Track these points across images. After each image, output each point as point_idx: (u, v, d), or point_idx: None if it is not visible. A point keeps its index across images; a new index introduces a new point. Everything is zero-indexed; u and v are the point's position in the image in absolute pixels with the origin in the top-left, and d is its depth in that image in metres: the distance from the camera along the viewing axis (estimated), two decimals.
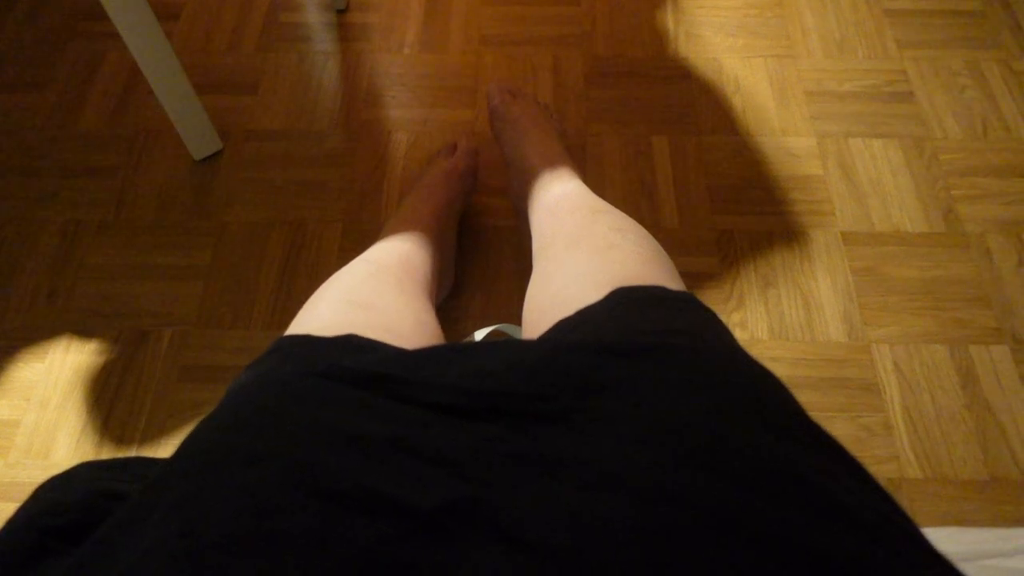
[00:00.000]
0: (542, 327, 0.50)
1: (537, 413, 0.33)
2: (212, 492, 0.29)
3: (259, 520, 0.27)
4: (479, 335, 0.86)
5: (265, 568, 0.26)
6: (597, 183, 1.06)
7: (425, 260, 0.72)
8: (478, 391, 0.34)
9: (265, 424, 0.34)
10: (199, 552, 0.27)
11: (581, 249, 0.56)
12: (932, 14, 1.23)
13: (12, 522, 0.36)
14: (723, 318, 0.94)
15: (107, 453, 0.86)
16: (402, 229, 0.76)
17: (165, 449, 0.87)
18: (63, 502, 0.36)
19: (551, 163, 0.81)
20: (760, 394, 0.35)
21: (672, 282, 0.51)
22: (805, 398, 0.89)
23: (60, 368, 0.92)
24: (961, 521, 0.81)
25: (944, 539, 0.50)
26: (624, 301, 0.45)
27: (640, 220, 1.02)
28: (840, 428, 0.86)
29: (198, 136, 1.06)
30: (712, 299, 0.96)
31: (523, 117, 0.91)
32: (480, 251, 1.00)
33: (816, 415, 0.87)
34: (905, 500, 0.82)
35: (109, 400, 0.90)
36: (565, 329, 0.45)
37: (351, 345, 0.44)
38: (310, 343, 0.44)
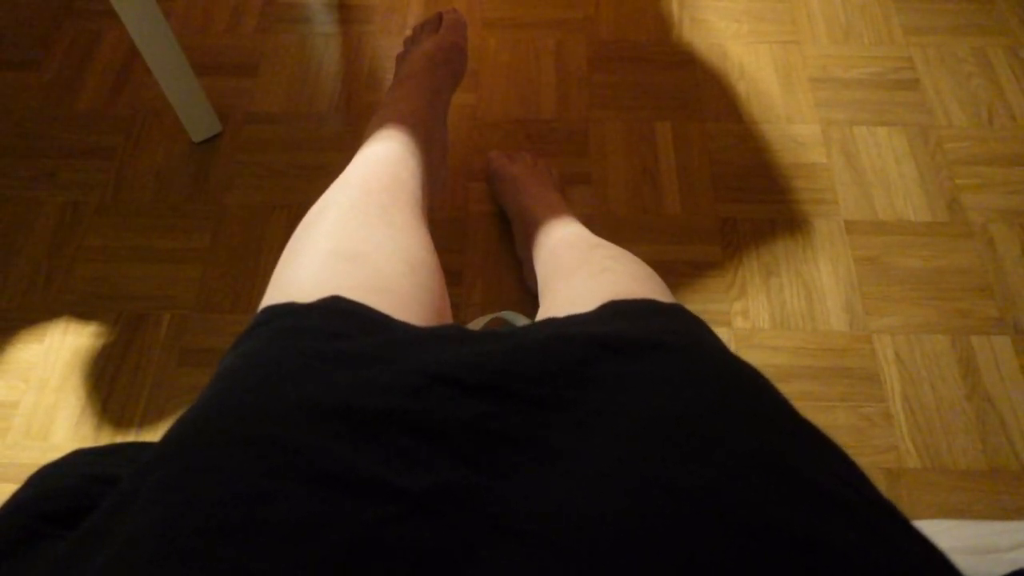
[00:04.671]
0: None
1: (533, 397, 0.33)
2: (196, 477, 0.29)
3: (245, 506, 0.27)
4: (480, 323, 0.85)
5: (251, 555, 0.25)
6: (599, 169, 1.05)
7: (414, 167, 0.66)
8: (475, 365, 0.34)
9: (252, 406, 0.33)
10: (182, 538, 0.26)
11: (577, 277, 0.58)
12: (939, 0, 1.21)
13: (6, 507, 0.35)
14: (724, 306, 0.94)
15: (106, 436, 0.86)
16: (385, 131, 0.69)
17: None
18: (56, 487, 0.36)
19: (552, 211, 0.83)
20: (751, 390, 0.35)
21: (664, 298, 0.51)
22: (805, 387, 0.89)
23: (58, 350, 0.92)
24: (959, 511, 0.81)
25: (944, 532, 0.50)
26: (616, 311, 0.46)
27: (642, 207, 1.02)
28: (840, 418, 0.86)
29: (197, 118, 1.05)
30: (714, 287, 0.96)
31: (522, 174, 0.95)
32: (481, 238, 1.00)
33: (816, 404, 0.87)
34: (904, 490, 0.82)
35: (108, 383, 0.90)
36: (553, 324, 0.45)
37: (337, 310, 0.42)
38: (293, 313, 0.42)
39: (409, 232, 0.55)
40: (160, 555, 0.26)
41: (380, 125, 0.71)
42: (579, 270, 0.59)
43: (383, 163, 0.63)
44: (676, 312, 0.46)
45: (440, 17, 0.88)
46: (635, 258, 0.61)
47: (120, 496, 0.30)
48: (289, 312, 0.42)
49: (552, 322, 0.45)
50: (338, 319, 0.41)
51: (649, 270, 0.59)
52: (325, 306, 0.42)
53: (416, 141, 0.69)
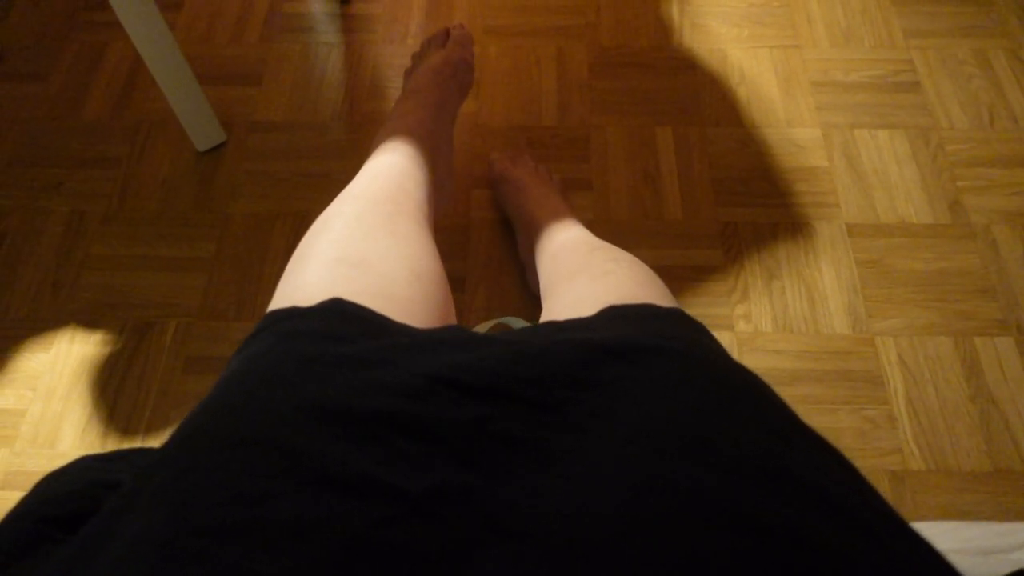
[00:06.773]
0: None
1: (532, 399, 0.33)
2: (198, 478, 0.29)
3: (246, 507, 0.27)
4: (483, 328, 0.86)
5: (252, 555, 0.26)
6: (600, 175, 1.06)
7: (419, 179, 0.66)
8: (475, 368, 0.35)
9: (252, 409, 0.33)
10: (184, 539, 0.26)
11: (579, 280, 0.59)
12: (939, 2, 1.22)
13: (12, 512, 0.36)
14: (727, 310, 0.94)
15: (112, 443, 0.87)
16: (392, 143, 0.70)
17: None
18: (61, 492, 0.37)
19: (555, 215, 0.83)
20: (749, 393, 0.35)
21: (665, 302, 0.51)
22: (809, 390, 0.89)
23: (65, 358, 0.92)
24: (964, 513, 0.81)
25: (946, 534, 0.50)
26: (616, 315, 0.46)
27: (643, 212, 1.02)
28: (844, 420, 0.86)
29: (201, 127, 1.06)
30: (716, 292, 0.96)
31: (524, 177, 0.95)
32: (483, 244, 1.00)
33: (819, 407, 0.87)
34: (908, 492, 0.82)
35: (114, 391, 0.90)
36: (553, 328, 0.45)
37: (338, 312, 0.43)
38: (295, 316, 0.43)
39: (414, 241, 0.56)
40: (161, 556, 0.26)
41: (386, 138, 0.71)
42: (581, 273, 0.60)
43: (388, 175, 0.64)
44: (675, 316, 0.46)
45: (447, 32, 0.90)
46: (636, 260, 0.62)
47: (123, 498, 0.30)
48: (291, 316, 0.43)
49: (553, 325, 0.45)
50: (339, 322, 0.41)
51: (650, 272, 0.59)
52: (326, 309, 0.43)
53: (422, 153, 0.70)
